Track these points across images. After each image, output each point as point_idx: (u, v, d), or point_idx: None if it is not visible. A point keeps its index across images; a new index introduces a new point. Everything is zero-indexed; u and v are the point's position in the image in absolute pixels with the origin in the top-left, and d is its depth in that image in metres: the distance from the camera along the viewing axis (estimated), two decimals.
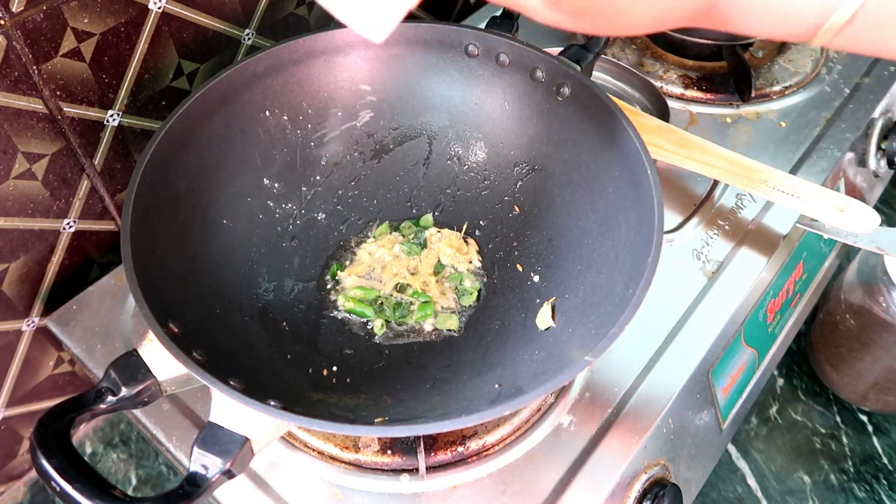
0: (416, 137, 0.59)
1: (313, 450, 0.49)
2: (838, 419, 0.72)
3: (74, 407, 0.39)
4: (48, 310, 0.58)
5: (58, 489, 0.35)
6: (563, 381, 0.38)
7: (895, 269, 0.62)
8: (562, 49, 0.55)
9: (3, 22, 0.46)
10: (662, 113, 0.68)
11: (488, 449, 0.49)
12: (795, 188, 0.58)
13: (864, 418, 0.72)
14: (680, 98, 0.74)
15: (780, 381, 0.75)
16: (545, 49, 0.53)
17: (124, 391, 0.40)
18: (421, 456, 0.47)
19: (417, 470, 0.48)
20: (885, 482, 0.68)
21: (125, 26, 0.53)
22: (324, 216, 0.57)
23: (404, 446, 0.49)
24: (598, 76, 0.73)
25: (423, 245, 0.57)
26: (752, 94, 0.71)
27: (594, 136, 0.50)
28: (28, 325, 0.59)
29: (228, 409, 0.37)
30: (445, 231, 0.57)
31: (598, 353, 0.37)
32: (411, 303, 0.54)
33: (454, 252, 0.56)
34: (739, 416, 0.62)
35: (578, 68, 0.52)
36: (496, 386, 0.45)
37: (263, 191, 0.55)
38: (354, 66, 0.56)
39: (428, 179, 0.59)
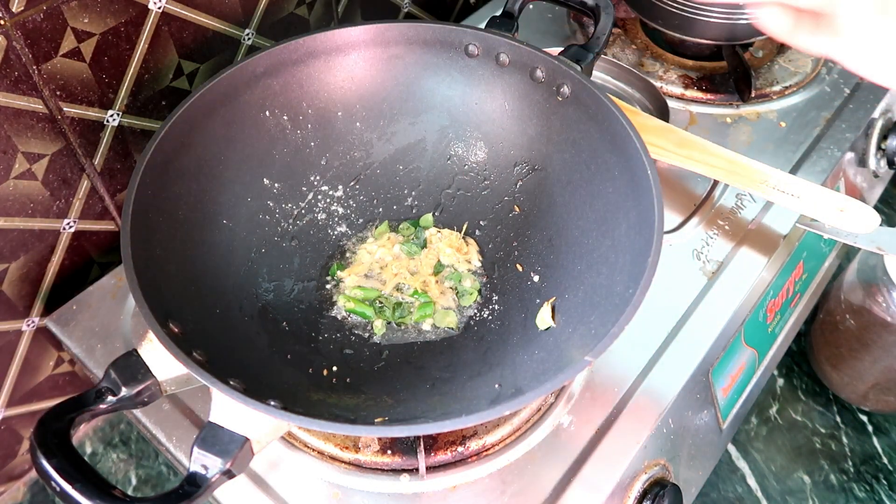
0: (416, 137, 0.59)
1: (313, 450, 0.49)
2: (838, 419, 0.72)
3: (74, 407, 0.39)
4: (48, 310, 0.58)
5: (58, 489, 0.35)
6: (563, 381, 0.38)
7: (895, 269, 0.62)
8: (562, 49, 0.55)
9: (3, 22, 0.46)
10: (662, 113, 0.68)
11: (488, 449, 0.49)
12: (795, 188, 0.58)
13: (864, 418, 0.72)
14: (680, 98, 0.74)
15: (780, 381, 0.75)
16: (545, 49, 0.53)
17: (124, 391, 0.40)
18: (421, 456, 0.47)
19: (417, 470, 0.48)
20: (885, 482, 0.68)
21: (125, 26, 0.53)
22: (324, 216, 0.57)
23: (404, 446, 0.49)
24: (598, 76, 0.73)
25: (423, 245, 0.57)
26: (752, 94, 0.71)
27: (594, 136, 0.50)
28: (28, 325, 0.59)
29: (228, 409, 0.37)
30: (445, 231, 0.57)
31: (598, 353, 0.37)
32: (411, 303, 0.54)
33: (454, 252, 0.56)
34: (739, 416, 0.62)
35: (578, 68, 0.52)
36: (496, 386, 0.45)
37: (263, 191, 0.55)
38: (354, 66, 0.56)
39: (428, 179, 0.59)
